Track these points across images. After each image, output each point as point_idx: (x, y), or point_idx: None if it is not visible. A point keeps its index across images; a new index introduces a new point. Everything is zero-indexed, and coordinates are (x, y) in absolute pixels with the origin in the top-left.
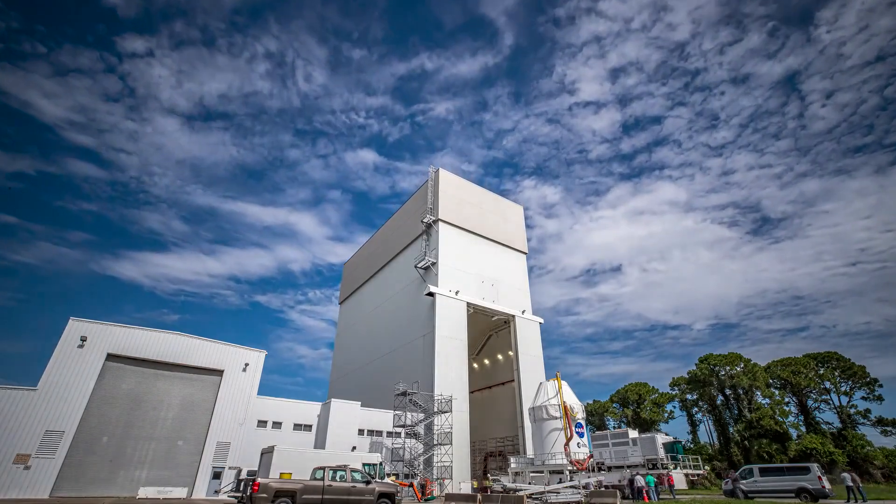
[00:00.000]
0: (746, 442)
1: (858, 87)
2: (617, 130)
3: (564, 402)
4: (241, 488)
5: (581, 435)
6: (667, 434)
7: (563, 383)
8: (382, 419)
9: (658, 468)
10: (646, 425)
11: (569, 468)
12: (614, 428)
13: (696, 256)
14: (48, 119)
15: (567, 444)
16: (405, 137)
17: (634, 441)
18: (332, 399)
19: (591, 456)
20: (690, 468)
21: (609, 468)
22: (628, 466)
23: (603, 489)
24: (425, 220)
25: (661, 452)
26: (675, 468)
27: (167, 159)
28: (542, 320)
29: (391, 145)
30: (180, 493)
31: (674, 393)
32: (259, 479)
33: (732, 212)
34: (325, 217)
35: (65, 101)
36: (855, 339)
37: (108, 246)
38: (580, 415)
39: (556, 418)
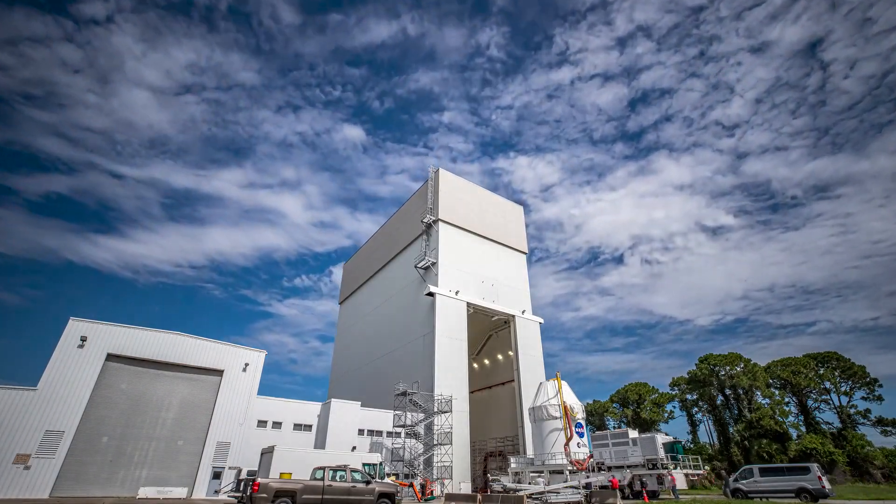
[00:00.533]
0: (746, 442)
1: (886, 56)
2: (623, 108)
3: (564, 402)
4: (241, 488)
5: (581, 435)
6: (667, 434)
7: (564, 383)
8: (382, 419)
9: (658, 468)
10: (646, 425)
11: (569, 468)
12: (614, 428)
13: (701, 246)
14: (2, 92)
15: (567, 444)
16: (390, 113)
17: (634, 441)
18: (332, 399)
19: (591, 456)
20: (690, 468)
21: (609, 468)
22: (628, 466)
23: (599, 490)
24: (425, 220)
25: (661, 452)
26: (675, 468)
27: (137, 137)
28: (541, 320)
29: (377, 122)
30: (180, 493)
31: (674, 393)
32: (259, 479)
33: (742, 198)
34: (309, 202)
35: (19, 73)
36: (863, 336)
37: (81, 231)
38: (580, 415)
39: (556, 418)
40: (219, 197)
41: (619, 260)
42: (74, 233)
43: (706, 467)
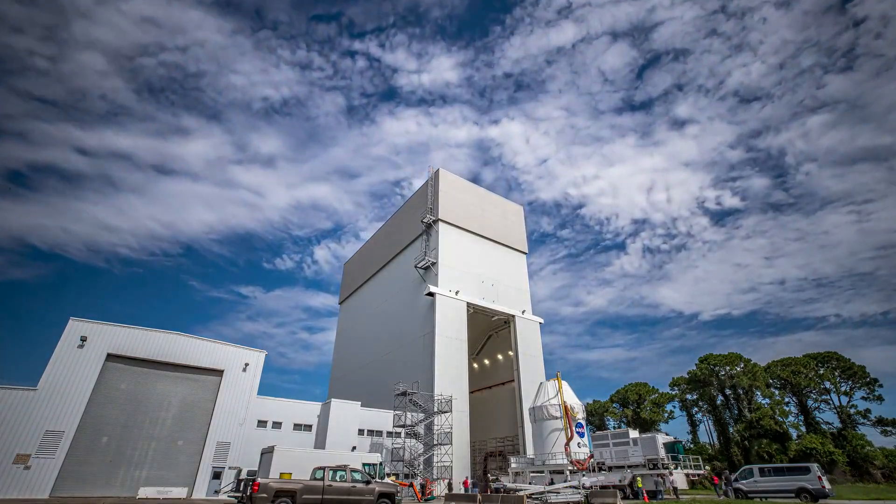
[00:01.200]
0: (746, 442)
1: None
2: (631, 76)
3: (565, 402)
4: (241, 488)
5: (581, 435)
6: (667, 434)
7: (564, 383)
8: (382, 419)
9: (658, 468)
10: (646, 425)
11: (569, 468)
12: (614, 428)
13: (705, 231)
14: None
15: (567, 443)
16: (364, 74)
17: (635, 441)
18: (332, 399)
19: (592, 456)
20: (691, 468)
21: (609, 468)
22: (629, 466)
23: (599, 490)
24: (425, 220)
25: (662, 452)
26: (675, 468)
27: (94, 106)
28: (541, 320)
29: (355, 88)
30: (180, 493)
31: (674, 393)
32: (259, 479)
33: (753, 175)
34: (285, 178)
35: None
36: (871, 330)
37: (48, 214)
38: (580, 415)
39: (556, 418)
40: (186, 172)
41: (622, 247)
42: (37, 215)
43: (706, 467)
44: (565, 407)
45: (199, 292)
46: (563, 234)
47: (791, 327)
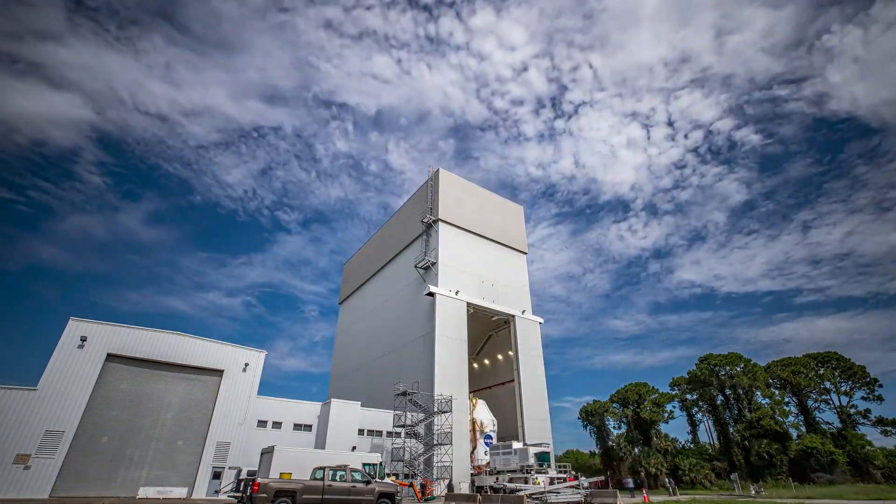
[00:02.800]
0: (746, 442)
1: None
2: None
3: (473, 419)
4: (241, 488)
5: (488, 445)
6: (544, 445)
7: (480, 402)
8: (382, 419)
9: (525, 473)
10: (645, 425)
11: (471, 472)
12: (614, 428)
13: (726, 188)
14: None
15: (472, 452)
16: None
17: (515, 451)
18: (332, 399)
19: (489, 463)
20: (556, 473)
21: (499, 472)
22: (508, 471)
23: (598, 490)
24: (425, 220)
25: (532, 460)
26: (543, 473)
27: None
28: (542, 320)
29: None
30: (180, 493)
31: (674, 393)
32: (259, 479)
33: (790, 102)
34: (198, 98)
35: None
36: None
37: None
38: (489, 428)
39: (469, 431)
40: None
41: (624, 208)
42: None
43: (602, 476)
44: (473, 422)
45: (114, 254)
46: (552, 177)
47: (820, 310)
